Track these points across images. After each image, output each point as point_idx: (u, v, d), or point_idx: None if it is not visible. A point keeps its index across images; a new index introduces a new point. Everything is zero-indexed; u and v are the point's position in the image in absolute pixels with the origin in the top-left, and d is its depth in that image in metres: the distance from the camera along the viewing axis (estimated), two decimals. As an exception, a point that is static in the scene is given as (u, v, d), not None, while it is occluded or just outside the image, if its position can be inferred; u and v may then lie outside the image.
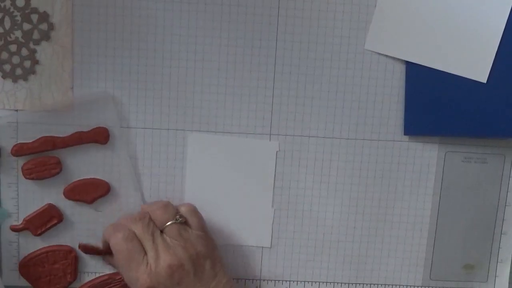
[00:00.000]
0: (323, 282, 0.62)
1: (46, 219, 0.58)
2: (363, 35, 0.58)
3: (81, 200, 0.59)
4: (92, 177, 0.59)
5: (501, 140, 0.61)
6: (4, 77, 0.57)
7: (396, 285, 0.63)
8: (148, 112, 0.59)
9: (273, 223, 0.61)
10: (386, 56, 0.58)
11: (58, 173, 0.57)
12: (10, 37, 0.56)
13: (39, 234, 0.59)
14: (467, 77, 0.57)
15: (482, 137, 0.60)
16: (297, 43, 0.58)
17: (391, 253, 0.62)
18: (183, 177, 0.60)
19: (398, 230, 0.62)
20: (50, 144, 0.57)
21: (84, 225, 0.60)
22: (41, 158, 0.57)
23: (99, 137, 0.58)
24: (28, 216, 0.59)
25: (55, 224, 0.59)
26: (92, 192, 0.58)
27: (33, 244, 0.59)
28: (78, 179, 0.58)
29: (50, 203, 0.58)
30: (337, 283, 0.63)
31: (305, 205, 0.61)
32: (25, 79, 0.57)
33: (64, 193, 0.58)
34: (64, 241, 0.60)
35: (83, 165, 0.58)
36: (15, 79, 0.57)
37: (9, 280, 0.60)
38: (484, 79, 0.57)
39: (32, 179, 0.57)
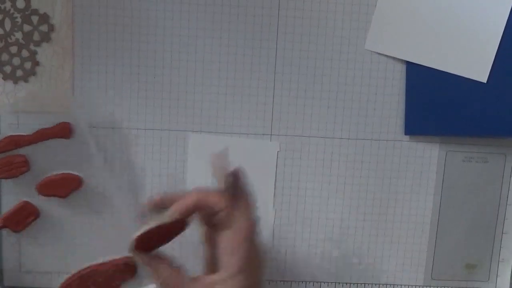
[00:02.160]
0: (324, 282, 0.62)
1: (24, 216, 0.58)
2: (363, 35, 0.58)
3: (55, 195, 0.59)
4: (63, 172, 0.59)
5: (501, 139, 0.61)
6: (4, 78, 0.57)
7: (397, 285, 0.63)
8: (149, 112, 0.59)
9: (273, 223, 0.61)
10: (386, 56, 0.58)
11: (26, 171, 0.57)
12: (11, 39, 0.56)
13: (19, 231, 0.59)
14: (467, 77, 0.57)
15: (483, 136, 0.60)
16: (297, 43, 0.58)
17: (392, 253, 0.62)
18: (184, 178, 0.60)
19: (399, 230, 0.62)
20: (14, 143, 0.57)
21: (62, 219, 0.60)
22: (7, 157, 0.57)
23: (63, 132, 0.57)
24: (5, 214, 0.59)
25: (33, 220, 0.59)
26: (65, 186, 0.58)
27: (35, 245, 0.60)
28: (49, 175, 0.59)
29: (25, 200, 0.59)
30: (339, 283, 0.63)
31: (306, 205, 0.61)
32: (26, 81, 0.57)
33: (37, 189, 0.58)
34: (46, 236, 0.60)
35: (51, 161, 0.58)
36: (15, 81, 0.57)
37: (10, 281, 0.60)
38: (484, 79, 0.57)
39: (2, 178, 0.57)
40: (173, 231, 0.49)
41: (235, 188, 0.49)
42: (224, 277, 0.48)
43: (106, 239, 0.60)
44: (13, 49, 0.57)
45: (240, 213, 0.49)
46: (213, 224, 0.50)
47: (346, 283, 0.63)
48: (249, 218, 0.49)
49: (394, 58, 0.58)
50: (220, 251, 0.49)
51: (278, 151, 0.60)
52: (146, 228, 0.47)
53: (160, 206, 0.51)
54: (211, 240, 0.51)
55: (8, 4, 0.56)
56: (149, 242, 0.49)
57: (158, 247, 0.50)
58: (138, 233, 0.47)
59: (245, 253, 0.49)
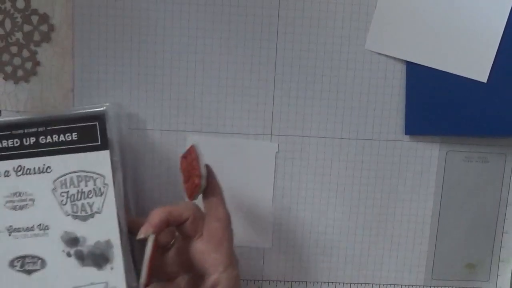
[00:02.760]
0: (324, 282, 0.62)
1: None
2: (363, 35, 0.58)
3: None
4: None
5: (502, 139, 0.61)
6: (5, 78, 0.57)
7: (397, 285, 0.63)
8: (149, 113, 0.59)
9: (273, 224, 0.61)
10: (386, 56, 0.58)
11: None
12: (11, 39, 0.56)
13: None
14: (468, 76, 0.57)
15: (483, 136, 0.60)
16: (297, 43, 0.58)
17: (392, 253, 0.62)
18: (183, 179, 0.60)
19: (400, 230, 0.62)
20: None
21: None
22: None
23: None
24: None
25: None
26: None
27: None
28: None
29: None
30: (339, 283, 0.63)
31: (306, 206, 0.61)
32: (27, 81, 0.57)
33: None
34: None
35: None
36: (16, 81, 0.57)
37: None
38: (484, 79, 0.57)
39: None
40: (155, 253, 0.50)
41: (211, 179, 0.51)
42: (217, 275, 0.49)
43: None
44: (14, 49, 0.57)
45: (215, 205, 0.51)
46: (184, 235, 0.51)
47: (346, 283, 0.63)
48: (224, 209, 0.51)
49: (394, 58, 0.58)
50: (200, 257, 0.50)
51: (277, 152, 0.60)
52: (147, 262, 0.49)
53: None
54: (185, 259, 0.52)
55: (8, 4, 0.56)
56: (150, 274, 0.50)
57: (152, 276, 0.51)
58: (145, 271, 0.49)
59: (228, 244, 0.50)
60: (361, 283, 0.63)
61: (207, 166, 0.51)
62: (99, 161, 0.53)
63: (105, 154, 0.53)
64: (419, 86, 0.58)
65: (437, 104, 0.58)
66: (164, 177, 0.60)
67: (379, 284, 0.63)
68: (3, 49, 0.56)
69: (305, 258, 0.62)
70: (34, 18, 0.56)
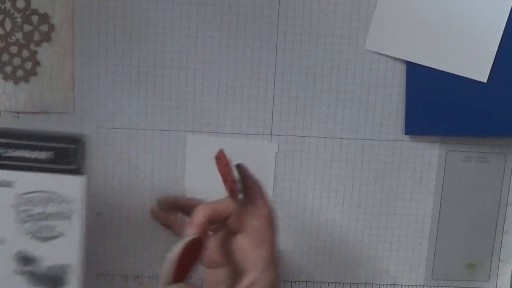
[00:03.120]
0: (324, 282, 0.62)
1: None
2: (363, 35, 0.58)
3: None
4: None
5: (502, 139, 0.61)
6: (5, 78, 0.57)
7: (397, 285, 0.63)
8: (149, 113, 0.59)
9: (273, 224, 0.61)
10: (386, 56, 0.58)
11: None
12: (11, 39, 0.56)
13: None
14: (468, 76, 0.57)
15: (483, 136, 0.60)
16: (297, 43, 0.58)
17: (392, 253, 0.62)
18: (183, 179, 0.60)
19: (400, 230, 0.62)
20: None
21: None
22: None
23: None
24: None
25: None
26: None
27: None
28: None
29: None
30: (339, 283, 0.63)
31: (306, 206, 0.61)
32: (26, 81, 0.57)
33: None
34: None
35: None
36: (16, 81, 0.57)
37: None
38: (484, 79, 0.57)
39: None
40: (193, 255, 0.48)
41: (245, 180, 0.49)
42: (256, 275, 0.47)
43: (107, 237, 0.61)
44: (14, 49, 0.57)
45: (256, 203, 0.49)
46: (226, 231, 0.49)
47: (346, 283, 0.63)
48: (266, 207, 0.49)
49: (394, 58, 0.58)
50: (241, 254, 0.48)
51: (277, 152, 0.60)
52: (175, 256, 0.45)
53: (168, 208, 0.51)
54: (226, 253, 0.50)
55: (8, 4, 0.56)
56: (178, 272, 0.46)
57: (187, 275, 0.48)
58: (169, 266, 0.45)
59: (269, 243, 0.48)
60: (361, 283, 0.63)
61: (240, 167, 0.49)
62: (73, 186, 0.50)
63: (80, 180, 0.50)
64: (419, 86, 0.58)
65: (437, 104, 0.58)
66: (164, 176, 0.60)
67: (379, 284, 0.63)
68: (3, 49, 0.56)
69: (305, 258, 0.62)
70: (34, 18, 0.56)
